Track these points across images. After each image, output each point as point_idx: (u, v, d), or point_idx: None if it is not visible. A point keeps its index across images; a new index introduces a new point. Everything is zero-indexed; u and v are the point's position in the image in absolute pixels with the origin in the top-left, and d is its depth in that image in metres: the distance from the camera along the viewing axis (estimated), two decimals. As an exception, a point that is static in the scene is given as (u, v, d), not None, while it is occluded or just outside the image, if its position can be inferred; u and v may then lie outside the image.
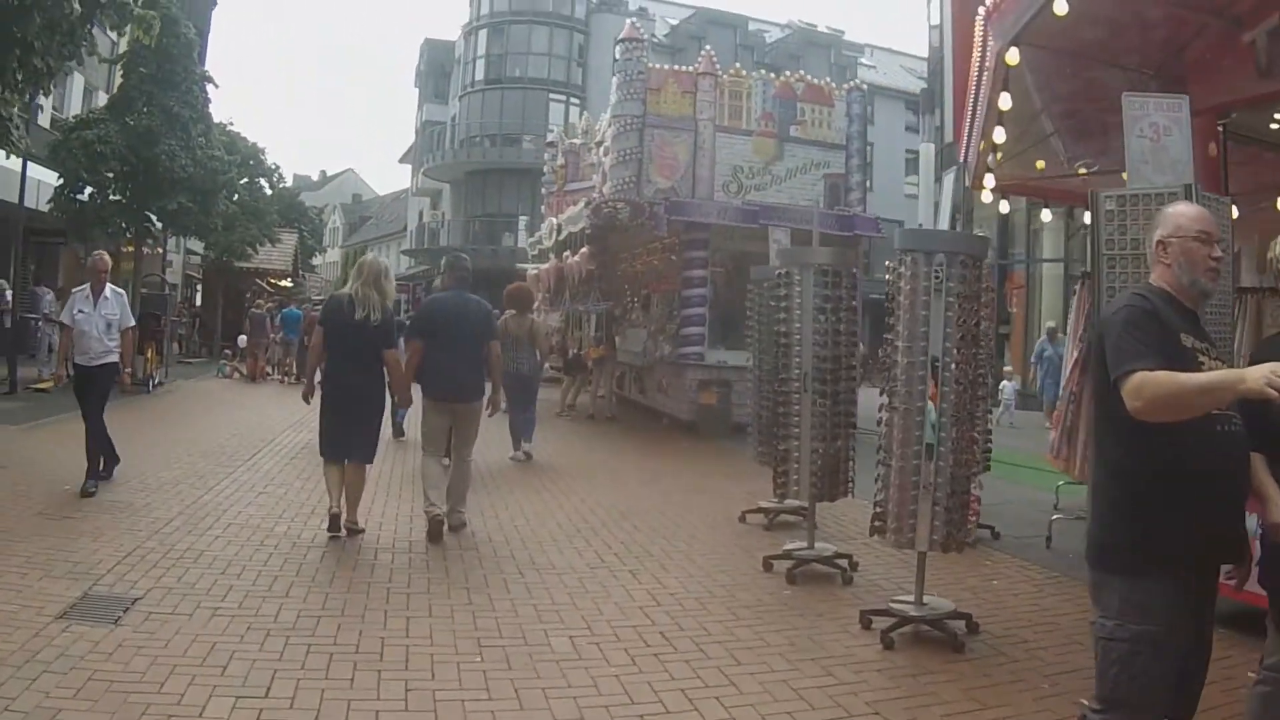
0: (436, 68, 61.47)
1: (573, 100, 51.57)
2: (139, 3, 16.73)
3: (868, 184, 20.50)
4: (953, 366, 6.72)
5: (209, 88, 26.52)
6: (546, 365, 25.93)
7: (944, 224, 8.49)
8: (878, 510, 7.02)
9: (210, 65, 32.43)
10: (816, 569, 8.54)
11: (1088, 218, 12.85)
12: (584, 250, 19.70)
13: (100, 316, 10.42)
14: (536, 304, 25.91)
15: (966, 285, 6.80)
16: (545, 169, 29.90)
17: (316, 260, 73.94)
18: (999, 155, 9.66)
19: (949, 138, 27.57)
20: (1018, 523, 10.96)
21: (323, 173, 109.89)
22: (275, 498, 10.83)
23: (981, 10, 8.00)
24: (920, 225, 19.90)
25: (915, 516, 6.75)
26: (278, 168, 44.03)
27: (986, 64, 8.46)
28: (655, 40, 50.75)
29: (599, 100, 33.11)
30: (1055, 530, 10.23)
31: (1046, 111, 9.77)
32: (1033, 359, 23.01)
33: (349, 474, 9.14)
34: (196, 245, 38.59)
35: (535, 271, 25.51)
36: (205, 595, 7.01)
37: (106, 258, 11.01)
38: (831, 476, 8.61)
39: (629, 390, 22.67)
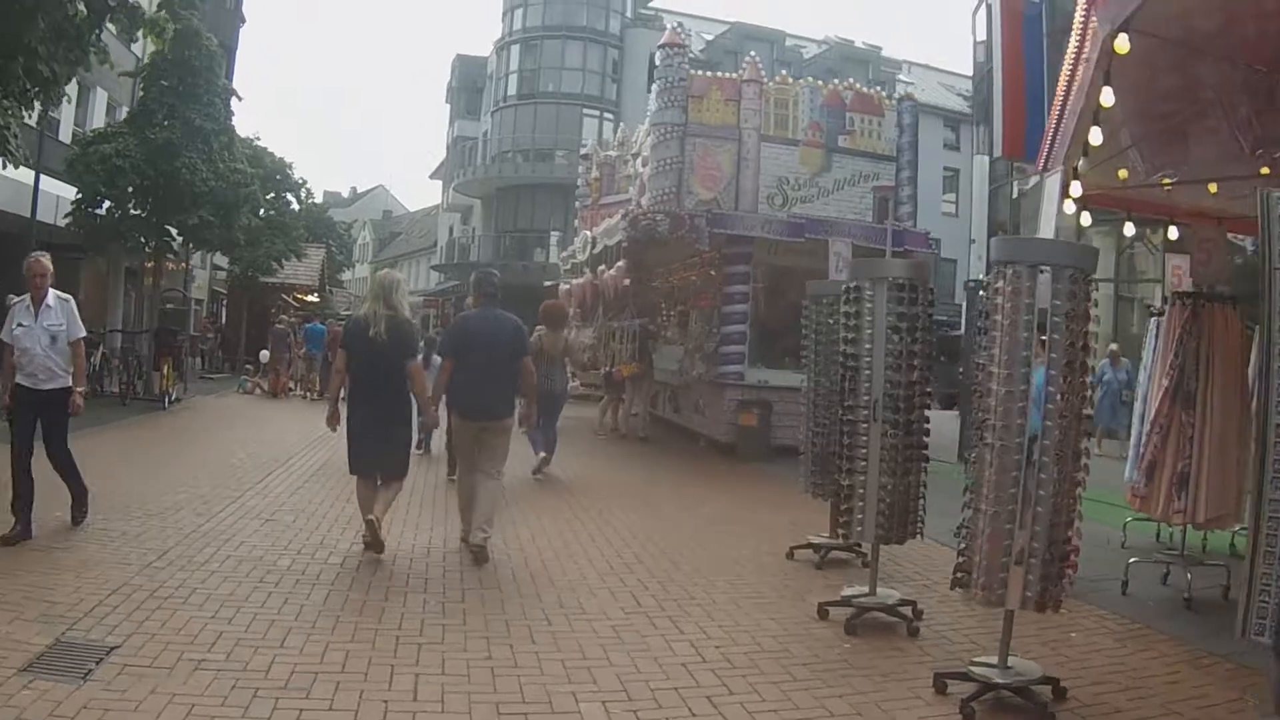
0: (468, 83, 60.79)
1: (606, 116, 50.74)
2: (154, 6, 15.99)
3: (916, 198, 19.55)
4: (1058, 398, 5.79)
5: (233, 101, 25.97)
6: (577, 383, 25.31)
7: (1048, 232, 7.42)
8: (962, 561, 6.12)
9: (238, 82, 31.80)
10: (878, 618, 7.61)
11: (1129, 229, 11.98)
12: (620, 264, 18.78)
13: (43, 329, 8.85)
14: (570, 319, 25.20)
15: (1075, 303, 5.87)
16: (579, 182, 29.08)
17: (346, 276, 73.72)
18: (1085, 161, 8.67)
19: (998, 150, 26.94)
20: (1084, 562, 9.96)
21: (353, 189, 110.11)
22: (282, 526, 9.98)
23: (1085, -10, 7.02)
24: (972, 240, 18.92)
25: (1007, 570, 5.83)
26: (304, 182, 43.51)
27: (1085, 54, 7.47)
28: (691, 55, 49.92)
29: (633, 116, 32.40)
30: (1131, 574, 9.21)
31: (1139, 113, 8.78)
32: (1090, 380, 21.75)
33: (384, 489, 9.12)
34: (223, 260, 38.12)
35: (568, 287, 24.63)
36: (190, 644, 6.17)
37: (45, 260, 9.11)
38: (901, 516, 7.63)
39: (663, 409, 21.78)
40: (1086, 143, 7.95)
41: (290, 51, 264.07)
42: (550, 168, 51.78)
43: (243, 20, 41.56)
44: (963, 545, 6.14)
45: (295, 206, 43.03)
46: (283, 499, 11.51)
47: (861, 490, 7.50)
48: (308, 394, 27.67)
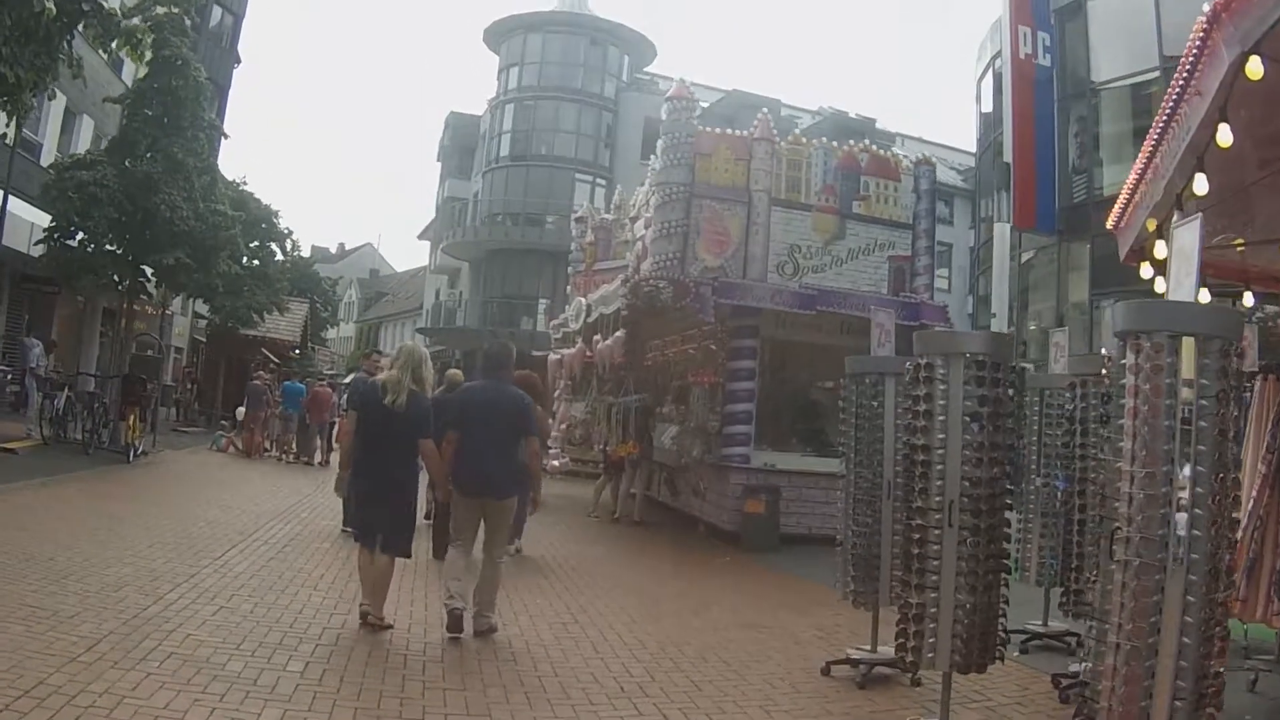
0: (460, 142, 59.89)
1: (599, 181, 49.81)
2: (130, 16, 14.95)
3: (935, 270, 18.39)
4: (1210, 503, 4.57)
5: (221, 142, 24.98)
6: (566, 459, 23.99)
7: (1188, 293, 6.09)
8: (1087, 697, 4.93)
9: (229, 127, 30.88)
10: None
11: (1248, 299, 10.74)
12: (617, 335, 17.51)
13: None
14: (557, 393, 23.87)
15: (1225, 381, 4.67)
16: (572, 246, 27.86)
17: (330, 333, 72.51)
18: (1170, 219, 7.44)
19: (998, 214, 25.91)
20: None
21: (341, 245, 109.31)
22: (240, 615, 8.59)
23: (1206, 10, 5.80)
24: (993, 315, 17.76)
25: (1149, 714, 4.60)
26: (290, 232, 42.14)
27: (1196, 86, 6.24)
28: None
29: (626, 182, 31.31)
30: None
31: (1239, 159, 7.52)
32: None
33: (377, 563, 8.72)
34: (205, 308, 36.96)
35: (559, 357, 23.28)
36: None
37: None
38: (982, 639, 6.33)
39: (657, 491, 20.49)
40: (1183, 192, 6.79)
41: (285, 102, 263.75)
42: (541, 233, 50.79)
43: (238, 61, 40.72)
44: (1088, 677, 5.02)
45: (279, 257, 41.62)
46: (243, 579, 10.14)
47: (934, 609, 6.21)
48: (283, 456, 26.28)
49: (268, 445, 27.07)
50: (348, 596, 9.75)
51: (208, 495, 16.90)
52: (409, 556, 9.17)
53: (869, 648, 8.60)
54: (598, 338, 18.32)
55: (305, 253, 64.55)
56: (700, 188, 16.54)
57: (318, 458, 25.93)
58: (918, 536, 6.32)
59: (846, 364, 9.18)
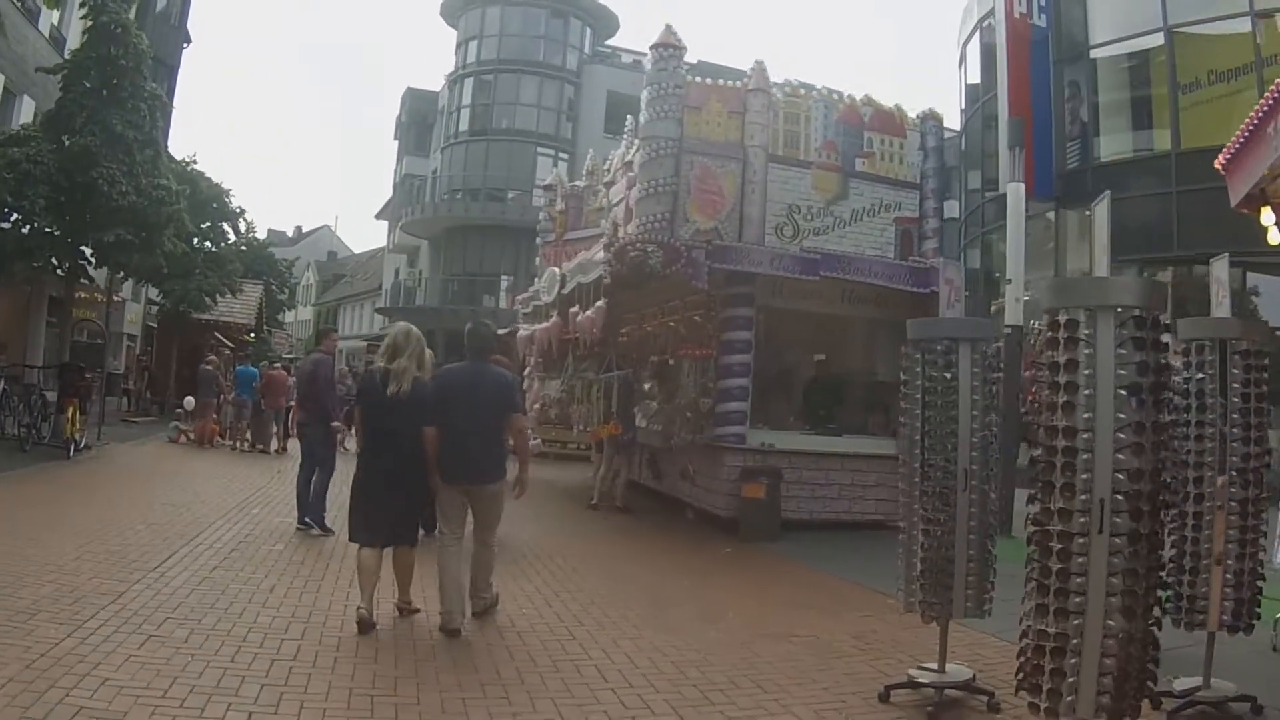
0: (418, 119, 58.01)
1: (561, 155, 48.17)
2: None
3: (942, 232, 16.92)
4: None
5: (163, 114, 23.19)
6: (538, 440, 22.44)
7: None
8: None
9: (181, 108, 29.12)
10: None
11: None
12: (599, 305, 15.78)
13: None
14: (527, 370, 22.27)
15: None
16: (541, 216, 26.13)
17: (288, 317, 70.58)
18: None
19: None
20: (1228, 668, 7.21)
21: (298, 228, 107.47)
22: (172, 648, 6.99)
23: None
24: (1008, 280, 16.33)
25: None
26: (243, 211, 40.10)
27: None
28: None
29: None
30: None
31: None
32: None
33: (396, 559, 8.59)
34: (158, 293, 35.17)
35: (528, 332, 21.58)
36: None
37: None
38: (1137, 676, 4.81)
39: (639, 474, 18.98)
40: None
41: (237, 84, 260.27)
42: (502, 208, 49.06)
43: (188, 40, 38.70)
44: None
45: (232, 237, 39.73)
46: (180, 597, 8.57)
47: (1077, 640, 4.70)
48: (236, 444, 24.56)
49: (221, 434, 25.38)
50: (302, 614, 8.35)
51: (151, 493, 15.27)
52: (415, 542, 8.74)
53: (935, 667, 7.16)
54: (575, 309, 16.64)
55: (261, 236, 62.94)
56: (690, 143, 14.92)
57: (274, 445, 24.30)
58: (1057, 546, 4.80)
59: (910, 328, 7.60)
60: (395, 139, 62.67)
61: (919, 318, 8.04)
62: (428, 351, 8.69)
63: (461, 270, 51.39)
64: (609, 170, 20.75)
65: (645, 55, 43.35)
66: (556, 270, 18.49)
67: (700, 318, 16.26)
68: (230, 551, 10.88)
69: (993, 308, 26.68)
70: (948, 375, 7.16)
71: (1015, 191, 16.57)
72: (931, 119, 16.83)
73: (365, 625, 7.92)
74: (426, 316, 49.33)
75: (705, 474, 15.76)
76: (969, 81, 29.24)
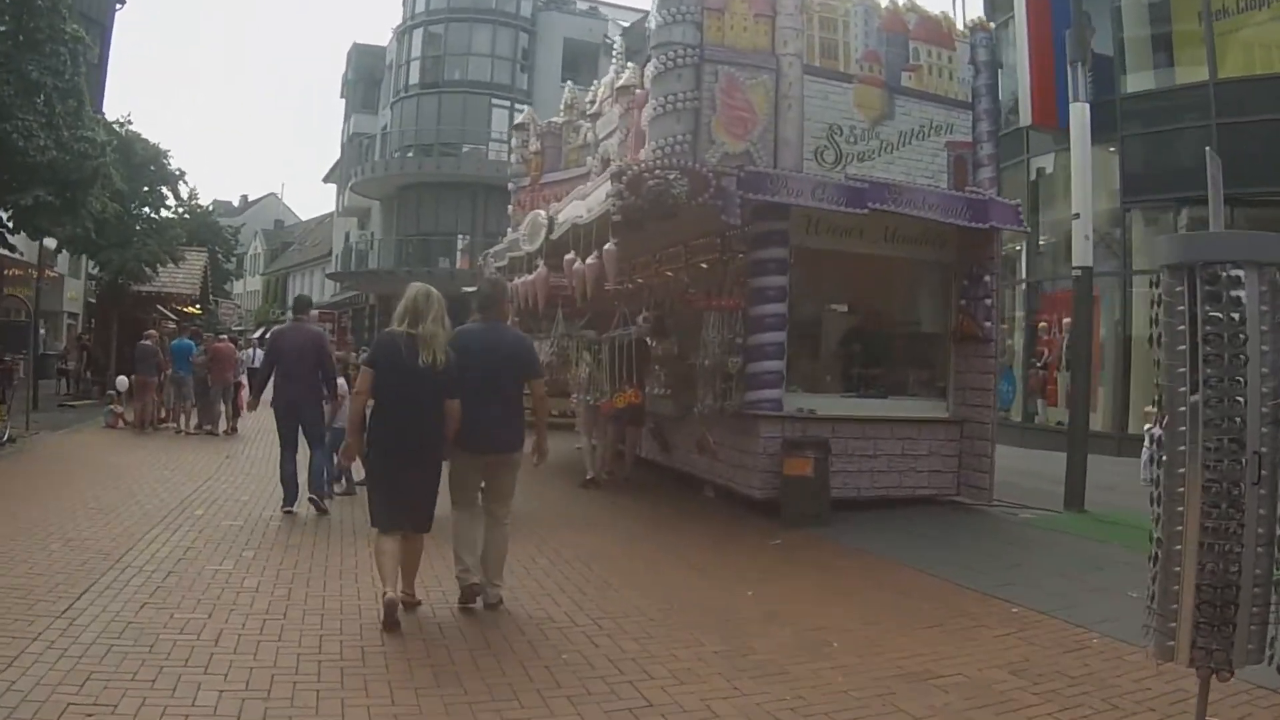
0: (366, 75, 54.95)
1: (517, 106, 44.98)
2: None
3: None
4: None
5: (85, 58, 20.17)
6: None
7: None
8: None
9: (116, 73, 26.07)
10: None
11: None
12: (608, 247, 12.92)
13: None
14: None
15: None
16: (512, 159, 23.28)
17: (235, 287, 67.55)
18: None
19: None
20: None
21: (244, 198, 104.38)
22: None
23: None
24: (1075, 215, 13.98)
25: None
26: (183, 174, 36.56)
27: None
28: (609, 42, 44.79)
29: (545, 108, 26.68)
30: None
31: None
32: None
33: (407, 545, 7.53)
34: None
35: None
36: None
37: None
38: None
39: (642, 446, 16.40)
40: None
41: (177, 54, 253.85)
42: (457, 163, 46.16)
43: (120, 1, 35.41)
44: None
45: (171, 201, 36.44)
46: (91, 664, 5.89)
47: None
48: (180, 426, 21.58)
49: (164, 416, 22.45)
50: (259, 684, 5.76)
51: (77, 494, 12.37)
52: (429, 530, 7.76)
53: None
54: (570, 256, 13.82)
55: (205, 203, 59.99)
56: (712, 51, 12.04)
57: (222, 425, 21.43)
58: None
59: (1162, 247, 4.92)
60: (342, 98, 59.50)
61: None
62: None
63: (416, 230, 48.58)
64: (593, 102, 17.97)
65: (603, 4, 40.47)
66: (542, 213, 15.69)
67: (722, 257, 13.75)
68: (166, 577, 8.21)
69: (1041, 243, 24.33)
70: (1234, 316, 4.55)
71: (1079, 114, 14.07)
72: (981, 30, 14.10)
73: (392, 612, 7.11)
74: (381, 280, 46.66)
75: (733, 447, 13.17)
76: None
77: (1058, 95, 19.78)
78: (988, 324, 13.51)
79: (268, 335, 13.93)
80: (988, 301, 13.51)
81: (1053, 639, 7.42)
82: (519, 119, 22.57)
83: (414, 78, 48.04)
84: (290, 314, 13.48)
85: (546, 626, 7.37)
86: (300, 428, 11.93)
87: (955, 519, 12.92)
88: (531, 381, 8.15)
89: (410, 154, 47.61)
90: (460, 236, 45.69)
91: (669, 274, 16.03)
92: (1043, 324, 23.81)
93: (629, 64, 16.19)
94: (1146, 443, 16.59)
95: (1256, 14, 19.91)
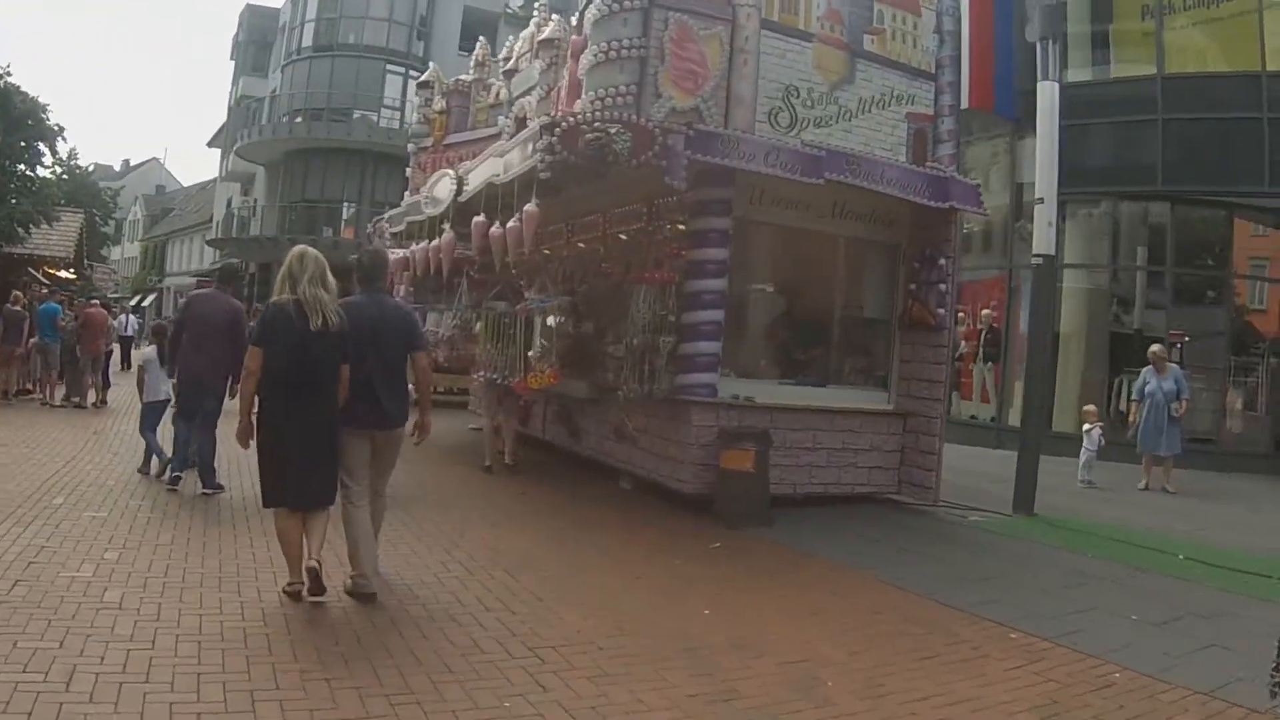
0: (258, 36, 52.33)
1: (412, 73, 42.92)
2: None
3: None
4: None
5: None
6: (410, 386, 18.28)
7: None
8: None
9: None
10: None
11: None
12: (529, 209, 11.28)
13: None
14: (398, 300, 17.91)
15: None
16: (413, 119, 21.43)
17: (114, 254, 64.52)
18: None
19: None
20: None
21: (125, 162, 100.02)
22: None
23: None
24: (1039, 200, 12.93)
25: None
26: (62, 130, 33.83)
27: None
28: (509, 11, 43.11)
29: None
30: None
31: None
32: (1134, 395, 16.37)
33: (311, 523, 7.03)
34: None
35: (402, 255, 16.99)
36: None
37: None
38: None
39: (545, 430, 14.96)
40: None
41: (62, 18, 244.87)
42: (347, 128, 43.84)
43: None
44: None
45: (49, 159, 33.86)
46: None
47: None
48: (42, 397, 19.58)
49: (29, 386, 20.35)
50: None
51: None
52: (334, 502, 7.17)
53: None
54: (480, 219, 12.21)
55: (86, 167, 56.99)
56: (664, -7, 10.67)
57: (91, 398, 19.39)
58: None
59: None
60: (231, 60, 56.80)
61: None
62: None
63: (301, 197, 46.10)
64: (508, 58, 16.36)
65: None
66: (451, 172, 14.08)
67: (635, 233, 12.66)
68: (10, 588, 6.58)
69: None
70: None
71: (1048, 93, 12.95)
72: (946, -7, 12.93)
73: (311, 578, 6.86)
74: (263, 248, 44.46)
75: (658, 435, 11.80)
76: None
77: (995, 79, 18.76)
78: (940, 311, 12.32)
79: (182, 301, 12.29)
80: (942, 287, 12.31)
81: (1071, 674, 6.38)
82: (424, 76, 20.76)
83: (307, 39, 45.59)
84: (215, 283, 11.82)
85: (475, 659, 5.94)
86: (199, 402, 10.85)
87: (902, 520, 11.76)
88: (414, 354, 7.76)
89: (299, 119, 45.08)
90: (347, 205, 43.67)
91: (581, 245, 14.55)
92: (961, 315, 22.85)
93: (554, 15, 14.63)
94: (1085, 443, 15.98)
95: (1204, 10, 19.21)
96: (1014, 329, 20.72)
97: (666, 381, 11.30)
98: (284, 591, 6.93)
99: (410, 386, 7.90)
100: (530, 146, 10.42)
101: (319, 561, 6.90)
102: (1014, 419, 20.95)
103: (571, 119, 10.02)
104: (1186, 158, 18.79)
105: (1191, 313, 20.23)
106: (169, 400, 11.57)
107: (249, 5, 54.19)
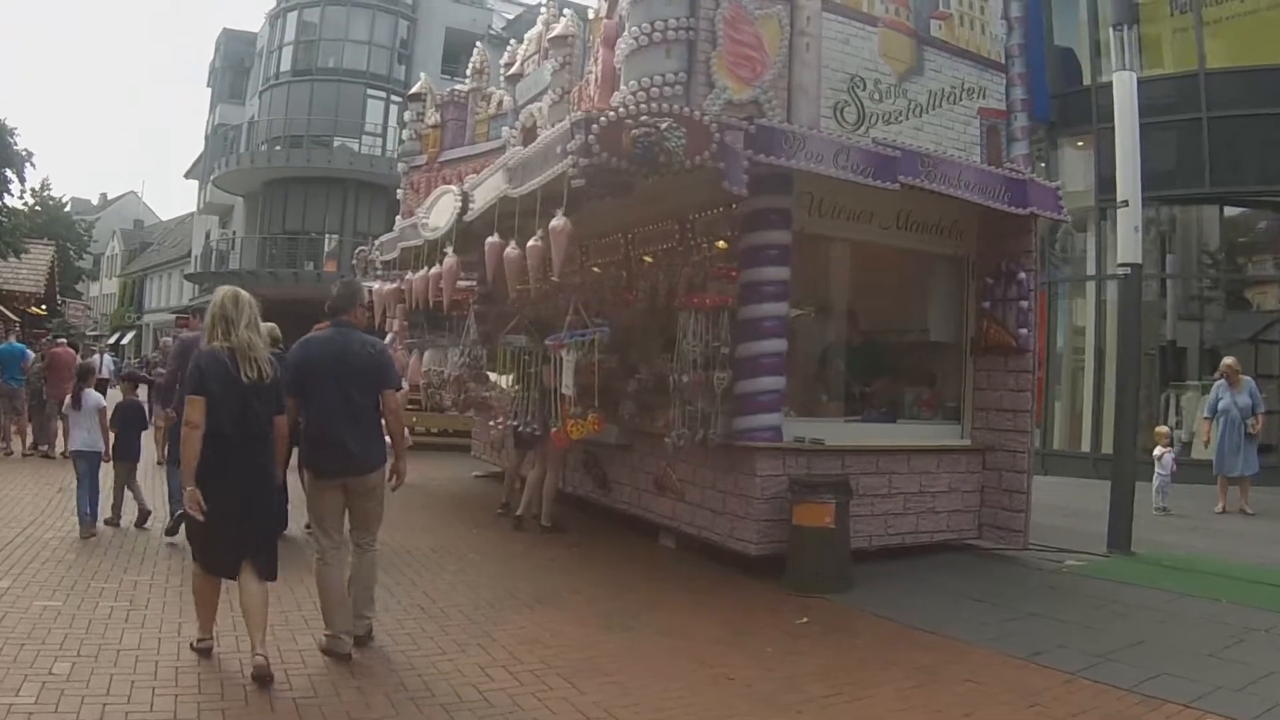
0: (235, 62, 50.60)
1: (394, 98, 41.55)
2: None
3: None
4: None
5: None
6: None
7: None
8: None
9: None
10: None
11: None
12: (556, 224, 9.38)
13: None
14: (390, 336, 16.14)
15: None
16: (403, 135, 19.61)
17: (92, 290, 62.68)
18: None
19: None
20: None
21: (103, 195, 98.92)
22: None
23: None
24: (1123, 203, 11.30)
25: None
26: (30, 155, 31.95)
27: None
28: (492, 33, 41.47)
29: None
30: None
31: None
32: (1205, 412, 14.86)
33: (249, 594, 6.24)
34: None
35: (394, 286, 15.19)
36: None
37: None
38: None
39: (565, 479, 13.05)
40: None
41: (40, 49, 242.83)
42: (328, 156, 42.20)
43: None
44: None
45: (16, 187, 32.06)
46: None
47: None
48: (6, 447, 17.72)
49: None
50: None
51: None
52: (276, 578, 6.39)
53: None
54: (493, 239, 10.34)
55: (60, 198, 55.13)
56: (714, -29, 8.97)
57: (59, 446, 17.33)
58: None
59: None
60: (209, 87, 55.02)
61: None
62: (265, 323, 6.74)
63: (281, 229, 44.33)
64: (511, 64, 14.62)
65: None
66: (454, 189, 12.29)
67: (661, 254, 11.19)
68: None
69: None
70: None
71: (1124, 83, 11.33)
72: (1016, -22, 11.28)
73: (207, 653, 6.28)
74: (243, 282, 42.25)
75: (712, 487, 10.02)
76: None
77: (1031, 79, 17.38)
78: (1023, 331, 10.60)
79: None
80: (1023, 304, 10.59)
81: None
82: (415, 88, 18.94)
83: (285, 64, 43.93)
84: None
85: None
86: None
87: (995, 571, 10.10)
88: (384, 393, 7.02)
89: (278, 146, 43.39)
90: (329, 236, 42.01)
91: (596, 270, 13.03)
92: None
93: (564, 11, 12.95)
94: (1158, 468, 14.37)
95: (1241, 3, 17.87)
96: (1052, 346, 19.24)
97: (722, 425, 9.56)
98: (193, 648, 6.40)
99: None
100: (560, 149, 8.64)
101: (265, 656, 6.02)
102: (1057, 442, 19.49)
103: (612, 113, 8.24)
104: (1234, 157, 17.39)
105: (1244, 319, 18.76)
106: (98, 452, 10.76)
107: (225, 29, 52.59)
